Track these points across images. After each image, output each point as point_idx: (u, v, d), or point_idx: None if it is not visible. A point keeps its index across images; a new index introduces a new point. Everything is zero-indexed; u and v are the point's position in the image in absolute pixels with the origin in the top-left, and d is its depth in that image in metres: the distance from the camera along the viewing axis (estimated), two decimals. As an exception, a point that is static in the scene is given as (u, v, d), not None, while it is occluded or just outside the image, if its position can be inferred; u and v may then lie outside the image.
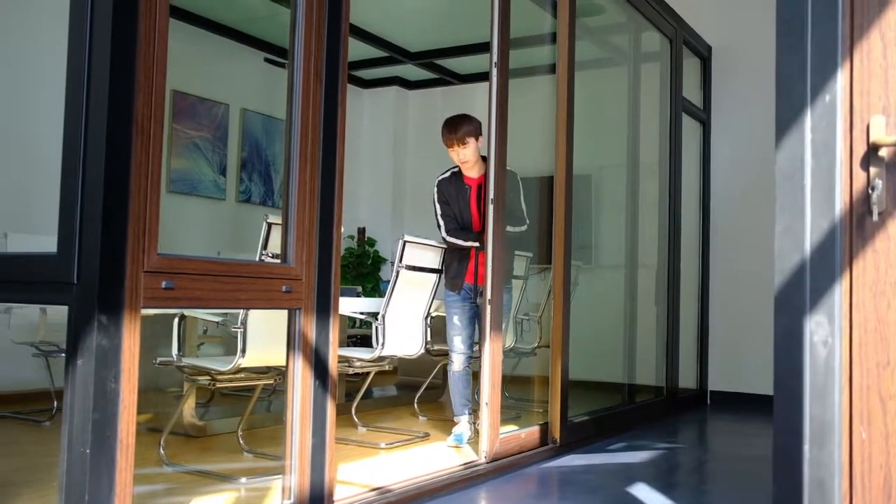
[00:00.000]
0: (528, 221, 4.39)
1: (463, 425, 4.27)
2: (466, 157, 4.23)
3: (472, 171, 4.31)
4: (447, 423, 4.67)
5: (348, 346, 5.47)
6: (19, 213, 5.27)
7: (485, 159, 4.17)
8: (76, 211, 2.03)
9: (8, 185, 5.30)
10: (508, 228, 4.07)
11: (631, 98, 5.40)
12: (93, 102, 2.04)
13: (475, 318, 4.31)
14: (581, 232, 4.78)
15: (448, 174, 4.37)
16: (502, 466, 3.75)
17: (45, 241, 2.27)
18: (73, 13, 2.11)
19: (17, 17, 5.40)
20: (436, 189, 4.36)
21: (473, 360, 4.32)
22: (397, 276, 4.24)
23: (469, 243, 4.24)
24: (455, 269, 4.33)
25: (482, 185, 4.18)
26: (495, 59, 3.79)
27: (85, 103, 2.05)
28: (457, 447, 4.10)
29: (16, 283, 2.32)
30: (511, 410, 5.41)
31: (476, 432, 4.07)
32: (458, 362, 4.29)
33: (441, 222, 4.31)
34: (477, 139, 4.24)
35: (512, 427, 4.33)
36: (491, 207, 3.78)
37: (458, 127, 4.21)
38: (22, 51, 5.35)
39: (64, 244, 2.06)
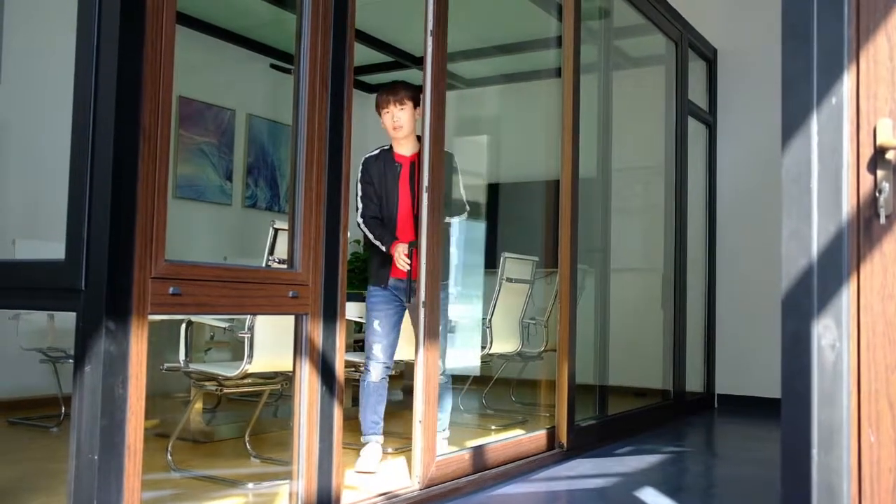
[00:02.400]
0: (468, 209, 3.93)
1: (372, 447, 3.67)
2: (402, 120, 3.71)
3: (404, 146, 3.79)
4: (454, 428, 4.66)
5: (355, 350, 5.48)
6: (27, 220, 5.29)
7: (420, 139, 3.62)
8: (84, 218, 2.04)
9: (16, 191, 5.32)
10: (447, 219, 3.70)
11: (603, 104, 5.28)
12: (100, 109, 2.05)
13: (400, 323, 3.79)
14: (588, 235, 4.75)
15: (376, 151, 3.83)
16: (442, 493, 3.31)
17: (54, 248, 2.28)
18: (80, 21, 2.12)
19: (26, 25, 5.42)
20: (361, 167, 3.81)
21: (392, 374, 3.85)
22: (403, 281, 4.23)
23: (377, 243, 3.70)
24: (380, 258, 3.75)
25: (416, 163, 3.71)
26: (430, 27, 3.44)
27: (92, 110, 2.06)
28: (369, 473, 3.55)
29: (24, 289, 2.34)
30: (517, 415, 5.41)
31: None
32: (375, 372, 3.71)
33: (359, 205, 3.78)
34: (415, 108, 3.73)
35: (519, 431, 4.33)
36: (425, 196, 3.37)
37: (397, 88, 3.77)
38: (29, 57, 5.38)
39: (72, 251, 2.07)
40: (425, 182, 3.38)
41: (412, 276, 3.58)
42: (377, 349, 3.73)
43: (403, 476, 3.47)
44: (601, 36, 5.34)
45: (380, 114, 3.80)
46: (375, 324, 3.75)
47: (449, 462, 3.45)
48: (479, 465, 3.64)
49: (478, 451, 3.68)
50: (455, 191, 3.87)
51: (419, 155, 3.60)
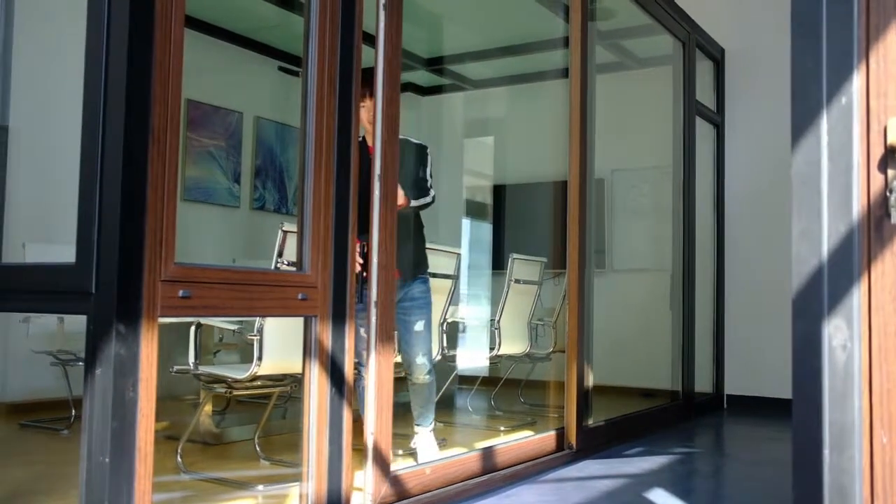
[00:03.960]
0: (433, 192, 3.78)
1: None
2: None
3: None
4: (463, 429, 4.66)
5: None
6: (37, 223, 5.31)
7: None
8: (94, 221, 2.05)
9: (26, 194, 5.34)
10: (412, 203, 3.65)
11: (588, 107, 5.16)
12: (110, 113, 2.06)
13: (408, 325, 3.75)
14: (594, 236, 4.72)
15: None
16: None
17: (64, 251, 2.29)
18: (90, 25, 2.13)
19: (36, 28, 5.45)
20: None
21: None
22: (412, 283, 4.23)
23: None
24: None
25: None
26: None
27: (102, 113, 2.07)
28: None
29: (34, 292, 2.34)
30: (526, 416, 5.41)
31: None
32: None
33: None
34: None
35: (528, 432, 4.32)
36: (377, 185, 3.10)
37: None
38: (39, 62, 5.40)
39: (82, 254, 2.07)
40: (377, 170, 3.11)
41: (365, 274, 3.31)
42: (365, 355, 3.59)
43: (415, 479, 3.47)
44: (587, 39, 5.31)
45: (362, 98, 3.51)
46: (362, 330, 3.51)
47: (408, 477, 3.15)
48: (487, 467, 3.64)
49: (483, 453, 3.67)
50: (423, 176, 3.74)
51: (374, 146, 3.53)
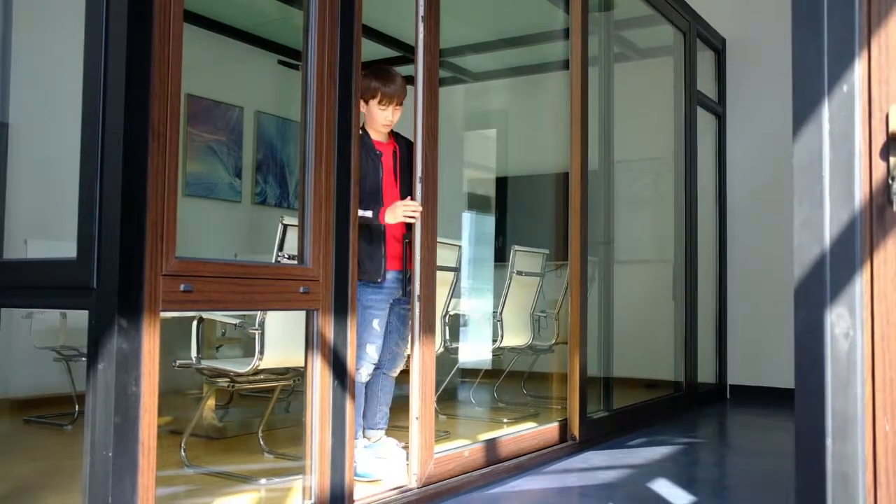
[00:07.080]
0: None
1: (361, 452, 3.44)
2: (394, 121, 3.58)
3: (382, 135, 3.59)
4: (466, 422, 4.66)
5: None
6: (38, 219, 5.31)
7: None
8: (95, 216, 2.05)
9: (27, 191, 5.35)
10: None
11: (604, 97, 5.14)
12: (109, 108, 2.06)
13: (405, 320, 3.58)
14: (592, 228, 4.72)
15: None
16: (440, 492, 3.25)
17: (65, 247, 2.29)
18: (88, 20, 2.13)
19: (35, 25, 5.44)
20: None
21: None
22: (414, 276, 4.23)
23: (367, 213, 3.34)
24: (370, 249, 3.46)
25: (396, 152, 3.60)
26: (422, 12, 3.32)
27: (102, 109, 2.07)
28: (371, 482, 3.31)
29: (36, 288, 2.35)
30: (529, 408, 5.42)
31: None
32: (365, 372, 3.48)
33: None
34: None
35: (531, 424, 4.33)
36: (419, 187, 3.33)
37: (405, 89, 3.57)
38: (38, 58, 5.39)
39: (83, 249, 2.07)
40: (418, 173, 3.34)
41: (408, 266, 3.43)
42: (372, 350, 3.49)
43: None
44: (602, 28, 5.31)
45: (368, 101, 3.50)
46: (374, 323, 3.49)
47: (449, 459, 3.40)
48: (491, 459, 3.64)
49: (487, 445, 3.68)
50: None
51: (396, 145, 3.61)
